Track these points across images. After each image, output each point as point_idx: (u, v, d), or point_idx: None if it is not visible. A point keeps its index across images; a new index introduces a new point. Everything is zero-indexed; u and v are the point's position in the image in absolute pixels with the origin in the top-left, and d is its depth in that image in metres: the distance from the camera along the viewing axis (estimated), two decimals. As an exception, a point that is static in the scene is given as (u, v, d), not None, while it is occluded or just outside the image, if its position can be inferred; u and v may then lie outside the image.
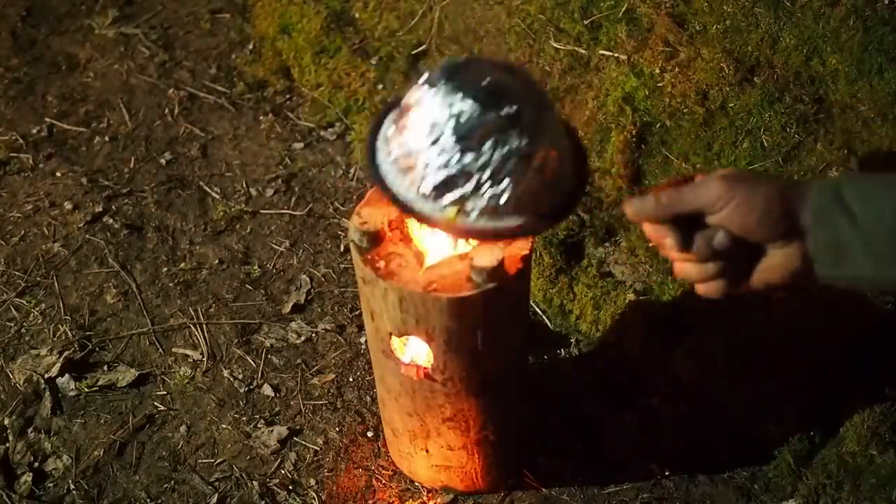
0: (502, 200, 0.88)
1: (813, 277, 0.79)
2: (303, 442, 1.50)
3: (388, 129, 0.95)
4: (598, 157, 1.56)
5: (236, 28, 2.30)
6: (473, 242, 1.06)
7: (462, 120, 0.87)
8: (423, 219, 0.91)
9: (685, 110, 1.48)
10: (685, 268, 0.84)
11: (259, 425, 1.52)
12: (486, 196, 0.88)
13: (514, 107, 0.87)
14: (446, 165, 0.88)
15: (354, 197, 1.90)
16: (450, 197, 0.89)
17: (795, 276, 0.80)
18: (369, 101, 1.98)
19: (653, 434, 1.46)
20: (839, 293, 1.37)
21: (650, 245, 1.52)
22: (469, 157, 0.87)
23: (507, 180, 0.87)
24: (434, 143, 0.88)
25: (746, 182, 0.79)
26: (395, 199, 0.92)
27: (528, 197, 0.89)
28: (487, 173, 0.87)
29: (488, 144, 0.87)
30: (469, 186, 0.88)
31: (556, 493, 1.42)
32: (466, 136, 0.86)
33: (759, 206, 0.78)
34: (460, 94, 0.87)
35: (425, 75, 0.90)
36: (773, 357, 1.40)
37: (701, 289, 0.85)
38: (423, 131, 0.89)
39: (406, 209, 0.92)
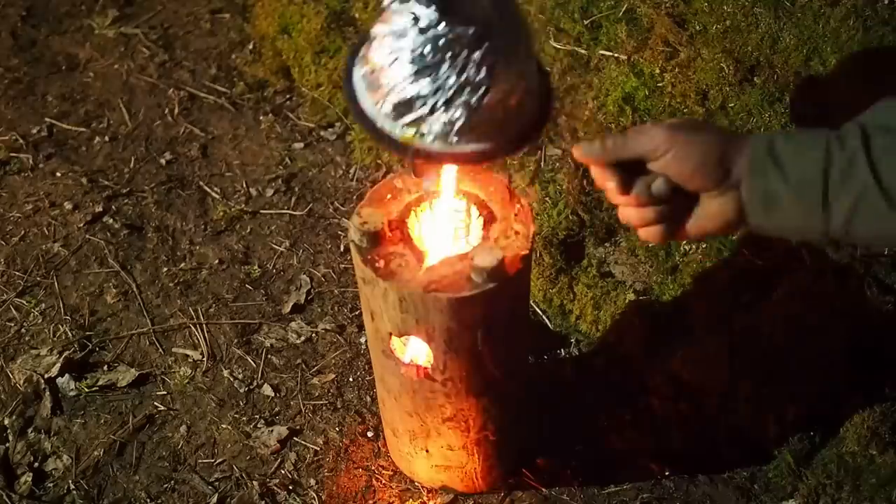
0: (456, 127, 0.88)
1: (746, 226, 0.83)
2: (303, 442, 1.50)
3: (364, 46, 0.94)
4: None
5: (236, 28, 2.30)
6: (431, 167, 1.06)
7: (423, 29, 0.85)
8: (381, 137, 0.91)
9: (685, 110, 1.48)
10: (627, 212, 0.88)
11: (259, 425, 1.52)
12: (441, 121, 0.87)
13: (481, 27, 0.85)
14: (404, 84, 0.87)
15: (354, 197, 1.91)
16: (408, 117, 0.88)
17: (730, 224, 0.84)
18: (369, 101, 1.98)
19: (653, 434, 1.46)
20: (839, 292, 1.37)
21: (650, 245, 1.52)
22: (426, 80, 0.86)
23: (461, 108, 0.87)
24: (395, 58, 0.87)
25: (686, 131, 0.83)
26: (358, 115, 0.92)
27: (485, 126, 0.89)
28: (443, 98, 0.86)
29: (446, 66, 0.86)
30: (424, 109, 0.87)
31: (556, 493, 1.42)
32: (427, 52, 0.85)
33: (696, 155, 0.81)
34: (430, 4, 0.85)
35: None
36: (773, 357, 1.40)
37: (641, 234, 0.88)
38: (387, 42, 0.88)
39: (367, 126, 0.91)
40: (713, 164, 0.81)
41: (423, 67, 0.86)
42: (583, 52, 1.61)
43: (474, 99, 0.86)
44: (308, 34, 2.06)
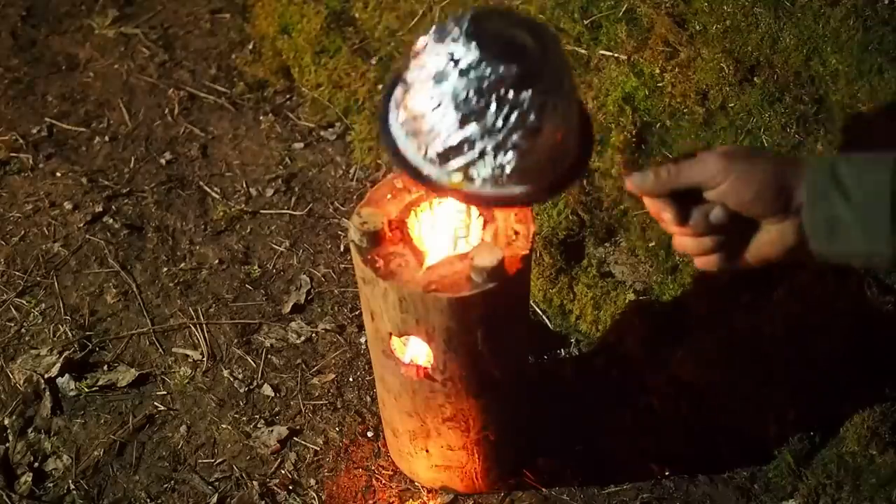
0: (507, 171, 0.86)
1: (807, 253, 0.81)
2: (303, 442, 1.50)
3: (399, 90, 0.92)
4: (598, 157, 1.56)
5: (236, 28, 2.30)
6: (480, 210, 1.06)
7: (465, 71, 0.83)
8: (429, 184, 0.89)
9: (685, 110, 1.48)
10: (683, 241, 0.86)
11: (259, 425, 1.52)
12: (490, 165, 0.86)
13: (526, 66, 0.83)
14: (450, 130, 0.85)
15: (354, 197, 1.91)
16: (455, 163, 0.87)
17: (790, 251, 0.82)
18: (369, 101, 1.98)
19: (653, 434, 1.46)
20: (839, 292, 1.37)
21: (650, 244, 1.52)
22: (473, 125, 0.84)
23: (511, 152, 0.85)
24: (438, 104, 0.85)
25: (743, 158, 0.81)
26: (402, 163, 0.90)
27: (533, 167, 0.88)
28: (493, 143, 0.85)
29: (493, 109, 0.83)
30: (473, 154, 0.85)
31: (556, 493, 1.42)
32: (472, 96, 0.83)
33: (755, 181, 0.80)
34: (469, 43, 0.83)
35: (436, 24, 0.87)
36: (773, 357, 1.40)
37: (699, 262, 0.87)
38: (427, 88, 0.85)
39: (413, 174, 0.90)
40: (773, 191, 0.79)
41: (469, 112, 0.83)
42: (583, 52, 1.61)
43: (525, 142, 0.85)
44: (308, 34, 2.06)
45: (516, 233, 1.08)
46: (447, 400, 1.18)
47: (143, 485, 1.45)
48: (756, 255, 0.84)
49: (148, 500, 1.43)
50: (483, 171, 0.87)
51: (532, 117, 0.84)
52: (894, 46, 1.33)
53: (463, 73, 0.83)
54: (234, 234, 1.84)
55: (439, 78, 0.84)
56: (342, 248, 1.80)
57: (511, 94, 0.83)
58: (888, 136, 1.33)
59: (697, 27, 1.50)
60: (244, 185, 1.93)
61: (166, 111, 2.10)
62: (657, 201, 0.85)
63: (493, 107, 0.83)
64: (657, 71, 1.51)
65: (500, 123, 0.84)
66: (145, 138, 2.04)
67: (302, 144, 2.02)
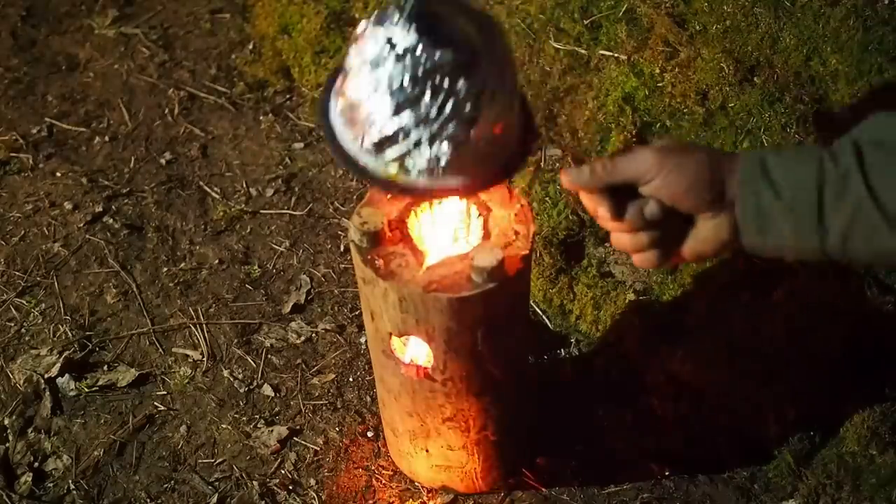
0: (442, 162, 0.84)
1: (740, 247, 0.81)
2: (303, 442, 1.50)
3: (339, 78, 0.90)
4: (598, 157, 1.56)
5: (236, 28, 2.30)
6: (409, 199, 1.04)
7: (401, 56, 0.80)
8: (365, 175, 0.88)
9: (685, 110, 1.48)
10: (620, 238, 0.86)
11: (259, 425, 1.52)
12: (426, 156, 0.84)
13: (466, 54, 0.81)
14: (385, 119, 0.83)
15: (354, 197, 1.91)
16: (390, 153, 0.85)
17: (725, 245, 0.82)
18: (369, 101, 1.98)
19: (653, 434, 1.46)
20: (839, 292, 1.37)
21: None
22: (408, 114, 0.82)
23: (447, 142, 0.83)
24: (373, 90, 0.82)
25: (676, 153, 0.81)
26: (339, 153, 0.89)
27: (470, 158, 0.86)
28: (427, 133, 0.82)
29: (428, 97, 0.80)
30: (408, 144, 0.84)
31: (556, 493, 1.42)
32: (407, 83, 0.81)
33: (688, 176, 0.80)
34: (408, 27, 0.80)
35: (377, 11, 0.84)
36: (773, 357, 1.40)
37: (636, 259, 0.87)
38: (363, 74, 0.83)
39: (350, 165, 0.88)
40: (705, 185, 0.79)
41: (404, 100, 0.81)
42: (583, 52, 1.61)
43: (461, 133, 0.83)
44: (308, 34, 2.06)
45: (516, 233, 1.08)
46: (447, 400, 1.18)
47: (143, 485, 1.45)
48: (692, 250, 0.85)
49: (148, 500, 1.43)
50: (419, 161, 0.85)
51: (468, 108, 0.82)
52: (894, 46, 1.33)
53: (399, 57, 0.80)
54: (234, 234, 1.84)
55: (375, 63, 0.82)
56: (342, 248, 1.80)
57: (447, 82, 0.81)
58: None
59: (697, 27, 1.50)
60: (244, 185, 1.93)
61: (166, 111, 2.10)
62: (593, 197, 0.84)
63: (428, 95, 0.81)
64: (657, 71, 1.51)
65: (434, 113, 0.82)
66: (145, 138, 2.04)
67: (302, 144, 2.02)
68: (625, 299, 1.52)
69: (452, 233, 1.14)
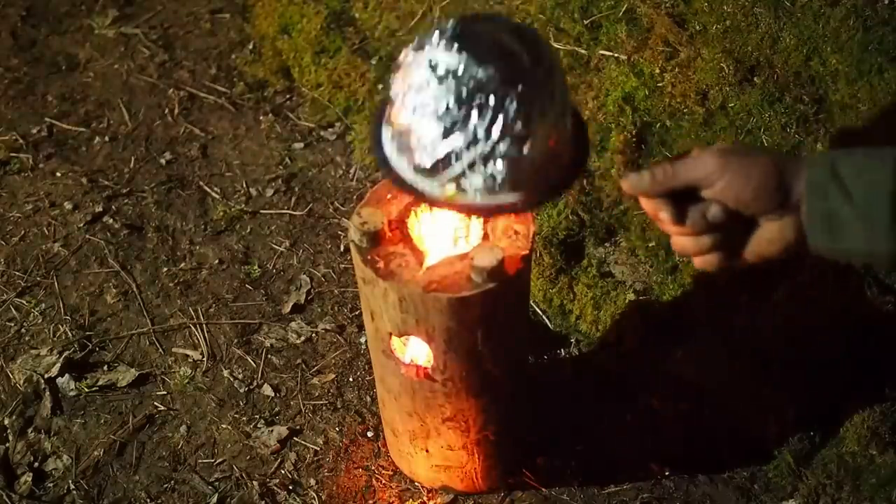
0: (499, 180, 0.84)
1: (806, 250, 0.80)
2: (303, 442, 1.50)
3: (387, 107, 0.90)
4: (598, 157, 1.56)
5: (236, 28, 2.30)
6: (474, 218, 1.05)
7: (443, 77, 0.80)
8: (424, 198, 0.89)
9: (685, 110, 1.48)
10: (681, 241, 0.85)
11: (259, 425, 1.52)
12: (481, 175, 0.84)
13: (508, 69, 0.80)
14: (435, 142, 0.83)
15: (354, 197, 1.91)
16: (445, 175, 0.85)
17: (789, 248, 0.81)
18: (369, 101, 1.98)
19: (653, 434, 1.46)
20: (839, 293, 1.37)
21: (650, 245, 1.52)
22: (457, 136, 0.82)
23: (500, 161, 0.83)
24: (420, 116, 0.82)
25: (740, 155, 0.80)
26: (396, 180, 0.89)
27: (526, 174, 0.86)
28: (480, 153, 0.82)
29: (476, 117, 0.80)
30: (462, 165, 0.84)
31: (556, 493, 1.42)
32: (452, 104, 0.80)
33: (753, 178, 0.79)
34: (449, 47, 0.80)
35: (420, 35, 0.84)
36: (773, 357, 1.40)
37: (697, 262, 0.86)
38: (408, 100, 0.83)
39: (409, 190, 0.89)
40: (772, 187, 0.78)
41: (452, 122, 0.81)
42: (583, 52, 1.61)
43: (514, 150, 0.82)
44: (308, 34, 2.06)
45: (516, 233, 1.08)
46: (447, 400, 1.18)
47: (143, 485, 1.45)
48: (755, 252, 0.84)
49: (148, 500, 1.43)
50: (474, 181, 0.85)
51: (518, 125, 0.82)
52: (894, 46, 1.33)
53: (441, 79, 0.80)
54: (234, 234, 1.84)
55: (419, 88, 0.82)
56: (342, 248, 1.80)
57: (492, 100, 0.80)
58: (888, 136, 1.33)
59: (697, 27, 1.50)
60: (244, 185, 1.93)
61: (166, 111, 2.10)
62: (654, 201, 0.84)
63: (476, 115, 0.81)
64: (657, 71, 1.51)
65: (483, 133, 0.82)
66: (145, 138, 2.04)
67: (302, 144, 2.02)
68: (625, 299, 1.52)
69: (452, 233, 1.14)
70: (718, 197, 0.81)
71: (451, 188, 0.87)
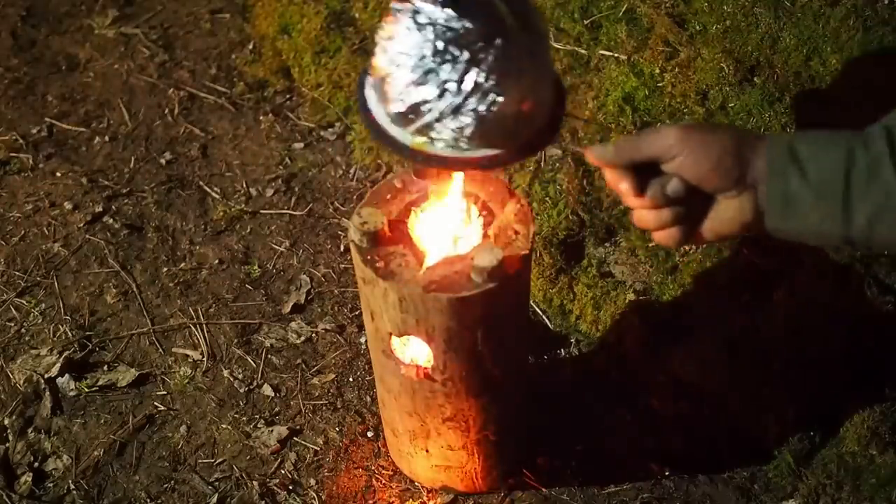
0: (466, 133, 0.85)
1: (762, 229, 0.81)
2: (303, 442, 1.50)
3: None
4: (598, 157, 1.56)
5: (236, 28, 2.30)
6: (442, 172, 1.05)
7: (422, 26, 0.81)
8: (392, 144, 0.89)
9: (685, 110, 1.48)
10: (642, 214, 0.86)
11: (259, 425, 1.52)
12: (450, 127, 0.84)
13: (490, 26, 0.80)
14: (409, 90, 0.83)
15: (354, 197, 1.91)
16: (416, 124, 0.85)
17: (746, 226, 0.82)
18: (369, 101, 1.98)
19: (653, 434, 1.46)
20: (839, 292, 1.37)
21: (650, 244, 1.52)
22: (430, 86, 0.82)
23: (470, 115, 0.83)
24: (398, 63, 0.83)
25: (701, 131, 0.81)
26: (369, 123, 0.90)
27: (497, 131, 0.86)
28: (450, 105, 0.83)
29: (449, 69, 0.81)
30: (433, 115, 0.84)
31: (556, 493, 1.42)
32: (427, 54, 0.81)
33: (712, 154, 0.79)
34: (437, 0, 0.80)
35: None
36: (773, 357, 1.40)
37: (657, 236, 0.87)
38: (389, 46, 0.84)
39: (378, 134, 0.89)
40: (730, 163, 0.79)
41: (426, 71, 0.82)
42: (583, 52, 1.61)
43: (484, 107, 0.83)
44: (308, 34, 2.06)
45: (516, 233, 1.08)
46: (447, 400, 1.18)
47: (143, 485, 1.45)
48: (713, 229, 0.84)
49: (148, 500, 1.43)
50: (443, 133, 0.85)
51: (491, 82, 0.82)
52: (894, 46, 1.33)
53: (421, 27, 0.81)
54: (234, 234, 1.84)
55: (399, 35, 0.83)
56: (342, 248, 1.80)
57: (466, 53, 0.81)
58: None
59: (697, 27, 1.50)
60: (244, 185, 1.93)
61: (166, 111, 2.10)
62: (616, 172, 0.84)
63: (448, 66, 0.81)
64: (657, 71, 1.51)
65: (453, 85, 0.82)
66: (145, 138, 2.04)
67: (302, 144, 2.02)
68: (625, 299, 1.52)
69: (452, 233, 1.14)
70: (678, 171, 0.82)
71: (420, 137, 0.87)
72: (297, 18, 2.10)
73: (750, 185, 0.79)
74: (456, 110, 0.84)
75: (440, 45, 0.81)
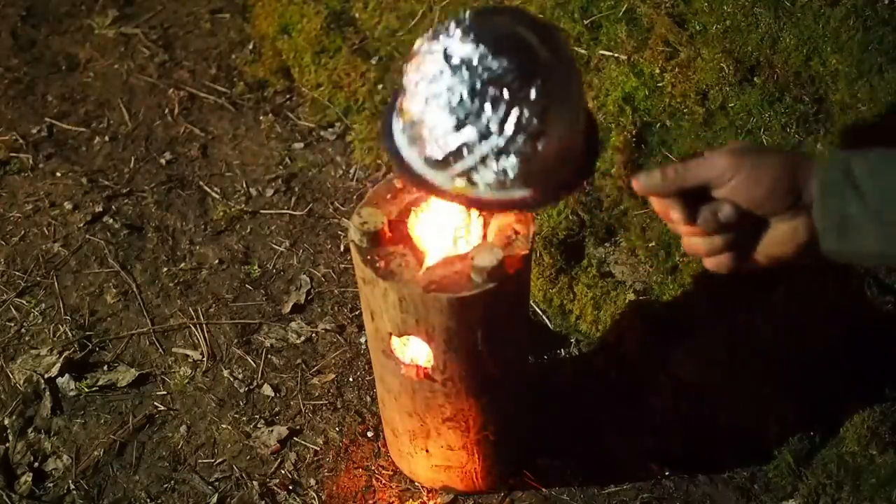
0: (510, 175, 0.83)
1: (818, 252, 0.79)
2: (303, 442, 1.50)
3: (399, 96, 0.89)
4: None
5: (236, 28, 2.30)
6: (482, 213, 1.04)
7: (457, 67, 0.78)
8: (433, 191, 0.87)
9: (685, 110, 1.48)
10: (693, 242, 0.84)
11: (259, 425, 1.52)
12: (493, 170, 0.82)
13: (526, 63, 0.78)
14: (447, 134, 0.81)
15: (354, 197, 1.91)
16: (456, 168, 0.83)
17: (801, 250, 0.80)
18: (369, 101, 1.98)
19: (653, 434, 1.46)
20: (839, 292, 1.37)
21: (650, 244, 1.52)
22: (470, 129, 0.80)
23: (514, 156, 0.82)
24: (432, 106, 0.81)
25: (753, 155, 0.79)
26: (405, 171, 0.87)
27: (539, 171, 0.84)
28: (492, 147, 0.81)
29: (489, 111, 0.78)
30: (474, 159, 0.82)
31: (556, 493, 1.42)
32: (465, 96, 0.79)
33: (765, 178, 0.78)
34: (464, 37, 0.78)
35: (433, 27, 0.83)
36: (773, 357, 1.40)
37: (709, 263, 0.85)
38: (421, 89, 0.82)
39: (417, 182, 0.87)
40: (784, 187, 0.77)
41: (465, 114, 0.79)
42: (583, 52, 1.61)
43: (528, 147, 0.81)
44: (308, 34, 2.06)
45: (516, 233, 1.08)
46: (447, 400, 1.18)
47: (143, 485, 1.45)
48: (766, 253, 0.83)
49: (148, 500, 1.43)
50: (485, 175, 0.83)
51: (535, 121, 0.80)
52: (894, 46, 1.33)
53: (456, 69, 0.79)
54: (234, 234, 1.84)
55: (433, 78, 0.80)
56: (342, 248, 1.80)
57: (506, 93, 0.79)
58: (888, 136, 1.33)
59: (697, 27, 1.50)
60: (244, 185, 1.93)
61: (166, 111, 2.10)
62: (665, 201, 0.83)
63: (489, 107, 0.79)
64: (657, 71, 1.51)
65: (495, 126, 0.80)
66: (145, 138, 2.04)
67: (302, 144, 2.02)
68: (625, 299, 1.52)
69: (452, 233, 1.14)
70: (730, 196, 0.80)
71: (460, 181, 0.85)
72: (297, 18, 2.10)
73: (804, 207, 0.78)
74: (499, 153, 0.81)
75: (478, 85, 0.78)
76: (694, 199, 0.82)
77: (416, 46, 0.84)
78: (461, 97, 0.79)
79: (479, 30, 0.79)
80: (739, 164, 0.78)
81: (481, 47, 0.78)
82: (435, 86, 0.81)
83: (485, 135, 0.81)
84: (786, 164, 0.78)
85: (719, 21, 1.47)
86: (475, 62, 0.78)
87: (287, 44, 2.12)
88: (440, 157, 0.84)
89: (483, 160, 0.83)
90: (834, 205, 0.75)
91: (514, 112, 0.80)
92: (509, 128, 0.80)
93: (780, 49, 1.42)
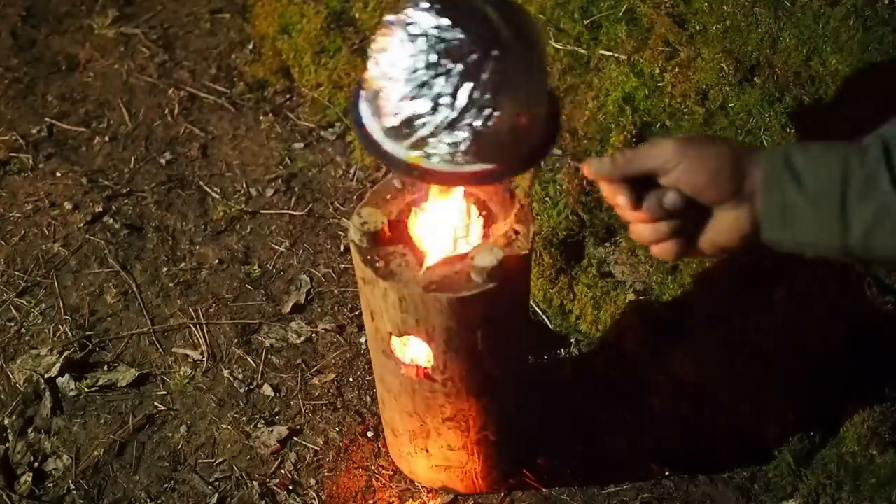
0: (462, 148, 0.83)
1: (761, 241, 0.81)
2: (303, 442, 1.50)
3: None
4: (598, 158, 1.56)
5: (236, 28, 2.30)
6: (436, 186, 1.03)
7: (415, 36, 0.78)
8: (387, 159, 0.87)
9: (685, 110, 1.48)
10: (638, 228, 0.86)
11: (259, 425, 1.52)
12: (445, 142, 0.83)
13: (484, 37, 0.78)
14: (403, 104, 0.82)
15: (354, 197, 1.91)
16: (410, 138, 0.84)
17: (744, 239, 0.82)
18: (369, 101, 1.98)
19: (653, 434, 1.46)
20: (839, 293, 1.37)
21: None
22: (424, 100, 0.80)
23: (466, 130, 0.82)
24: (391, 76, 0.81)
25: (698, 144, 0.81)
26: (363, 137, 0.88)
27: (492, 147, 0.85)
28: (445, 119, 0.81)
29: (443, 83, 0.78)
30: (426, 130, 0.82)
31: (556, 493, 1.42)
32: (420, 66, 0.79)
33: (709, 166, 0.80)
34: (426, 8, 0.78)
35: None
36: (773, 357, 1.40)
37: (654, 250, 0.86)
38: (382, 58, 0.82)
39: (373, 148, 0.88)
40: (727, 175, 0.79)
41: (420, 84, 0.80)
42: (583, 52, 1.61)
43: (479, 122, 0.82)
44: (308, 34, 2.06)
45: (516, 233, 1.08)
46: (447, 400, 1.18)
47: (143, 485, 1.45)
48: (710, 242, 0.84)
49: (148, 500, 1.43)
50: (439, 147, 0.84)
51: (488, 96, 0.80)
52: (894, 46, 1.33)
53: (414, 38, 0.79)
54: (234, 234, 1.84)
55: (393, 47, 0.81)
56: (342, 248, 1.80)
57: (460, 66, 0.79)
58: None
59: (697, 27, 1.50)
60: (244, 185, 1.93)
61: (166, 111, 2.10)
62: (613, 186, 0.84)
63: (442, 80, 0.79)
64: (657, 71, 1.51)
65: (447, 98, 0.80)
66: (145, 138, 2.04)
67: (302, 144, 2.02)
68: (625, 299, 1.52)
69: (452, 233, 1.14)
70: (675, 183, 0.81)
71: (415, 153, 0.85)
72: (297, 18, 2.10)
73: (747, 197, 0.79)
74: (451, 125, 0.82)
75: (433, 57, 0.79)
76: (642, 186, 0.83)
77: (385, 17, 0.85)
78: (416, 67, 0.80)
79: (444, 3, 0.80)
80: (684, 151, 0.80)
81: (443, 19, 0.79)
82: (394, 55, 0.81)
83: (437, 106, 0.81)
84: (730, 153, 0.80)
85: (719, 21, 1.47)
86: (433, 32, 0.79)
87: (287, 44, 2.12)
88: (395, 125, 0.84)
89: (435, 131, 0.83)
90: (775, 193, 0.77)
91: (467, 85, 0.80)
92: (461, 101, 0.80)
93: (780, 49, 1.42)
